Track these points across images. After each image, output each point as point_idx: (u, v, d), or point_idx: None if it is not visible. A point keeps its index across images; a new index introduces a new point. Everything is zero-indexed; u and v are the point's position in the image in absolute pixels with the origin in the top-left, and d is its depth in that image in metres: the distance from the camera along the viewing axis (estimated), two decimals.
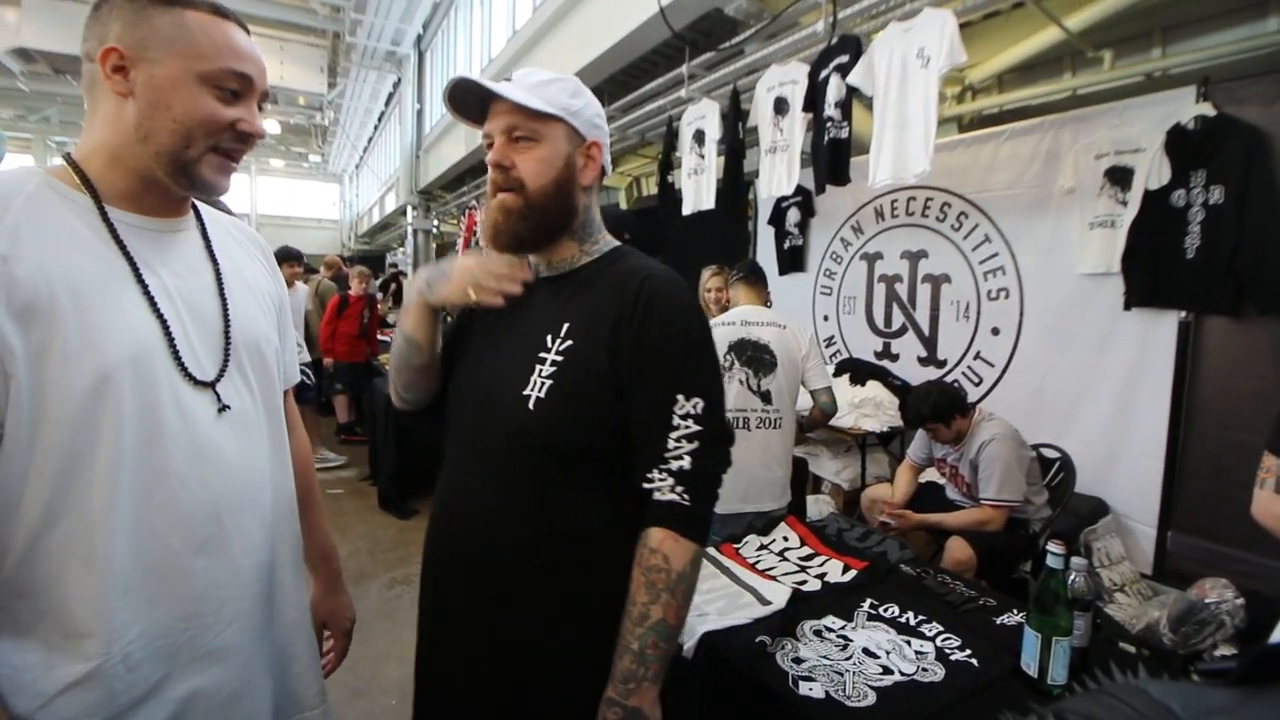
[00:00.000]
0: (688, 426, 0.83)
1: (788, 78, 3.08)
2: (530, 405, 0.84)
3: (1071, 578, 1.12)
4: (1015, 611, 1.33)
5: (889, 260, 3.56)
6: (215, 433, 0.77)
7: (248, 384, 0.82)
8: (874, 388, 3.21)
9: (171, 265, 0.78)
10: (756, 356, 2.25)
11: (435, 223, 10.15)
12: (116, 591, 0.68)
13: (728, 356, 2.24)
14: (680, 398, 0.83)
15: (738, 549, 1.60)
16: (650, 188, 7.04)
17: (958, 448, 2.39)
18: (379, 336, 5.60)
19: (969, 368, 3.17)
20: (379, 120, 12.09)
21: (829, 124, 2.81)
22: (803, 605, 1.32)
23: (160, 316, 0.74)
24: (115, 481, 0.68)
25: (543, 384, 0.85)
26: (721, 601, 1.33)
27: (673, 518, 0.82)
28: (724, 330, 2.28)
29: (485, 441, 0.89)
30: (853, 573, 1.46)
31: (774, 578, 1.44)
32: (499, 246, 0.91)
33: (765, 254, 4.31)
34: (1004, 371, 3.03)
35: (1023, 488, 2.27)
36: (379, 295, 7.19)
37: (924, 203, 3.35)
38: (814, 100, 2.92)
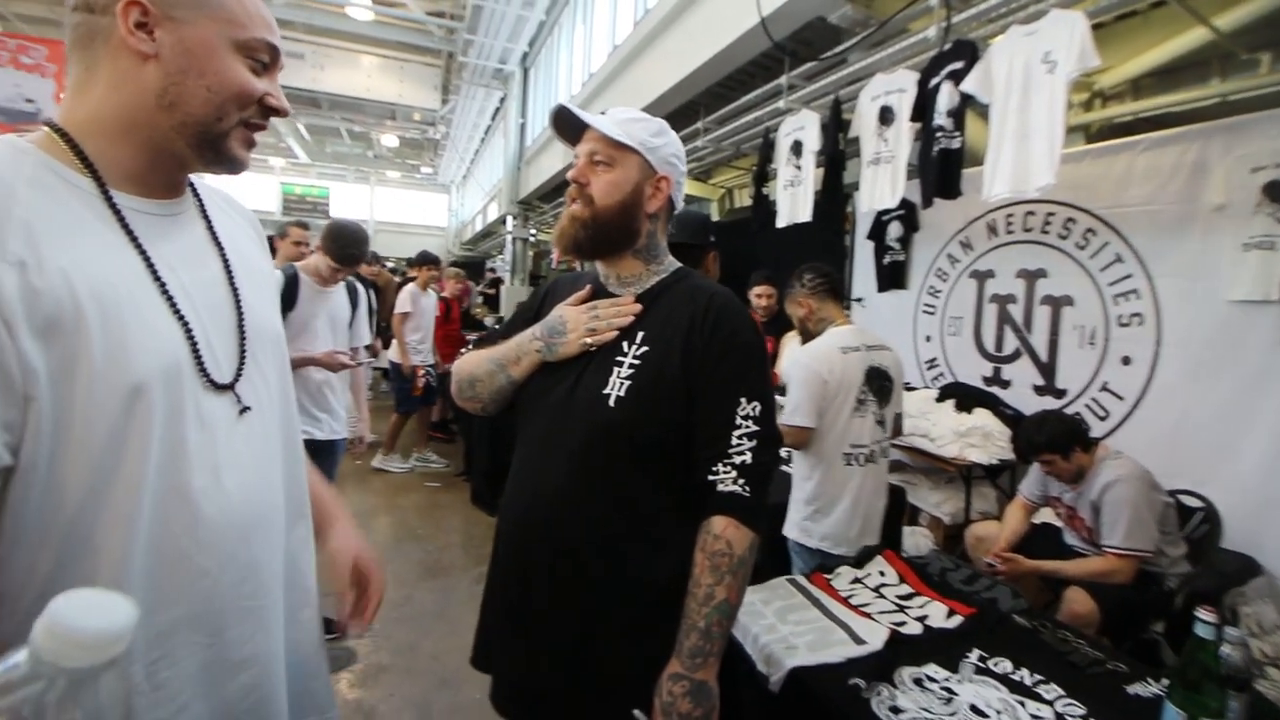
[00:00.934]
0: (748, 426, 0.94)
1: (894, 86, 2.95)
2: (611, 403, 0.94)
3: (1225, 651, 0.98)
4: (1150, 681, 1.18)
5: (1002, 279, 3.32)
6: (235, 439, 0.72)
7: (264, 380, 0.78)
8: (982, 416, 2.99)
9: (181, 256, 0.71)
10: (881, 385, 2.10)
11: (533, 231, 10.52)
12: (140, 619, 0.66)
13: (863, 389, 2.04)
14: (743, 400, 0.94)
15: (829, 580, 1.52)
16: (744, 199, 6.97)
17: (1077, 487, 2.18)
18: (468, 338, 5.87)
19: (1093, 400, 2.88)
20: (485, 134, 12.71)
21: (939, 134, 2.67)
22: (901, 649, 1.24)
23: (182, 319, 0.68)
24: (138, 508, 0.63)
25: (622, 384, 0.95)
26: (811, 636, 1.27)
27: (735, 507, 0.91)
28: (855, 357, 2.05)
29: (565, 434, 0.97)
30: (958, 618, 1.35)
31: (869, 615, 1.35)
32: (561, 248, 1.04)
33: (863, 269, 4.14)
34: (1135, 406, 2.73)
35: (1154, 536, 2.03)
36: (479, 300, 7.54)
37: (1044, 218, 3.10)
38: (923, 109, 2.78)
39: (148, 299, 0.66)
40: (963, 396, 3.18)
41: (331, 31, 8.70)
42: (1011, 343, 3.26)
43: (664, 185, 1.02)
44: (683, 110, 5.13)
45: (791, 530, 2.08)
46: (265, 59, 0.72)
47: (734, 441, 0.93)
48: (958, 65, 2.57)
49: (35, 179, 0.61)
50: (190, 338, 0.68)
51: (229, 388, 0.72)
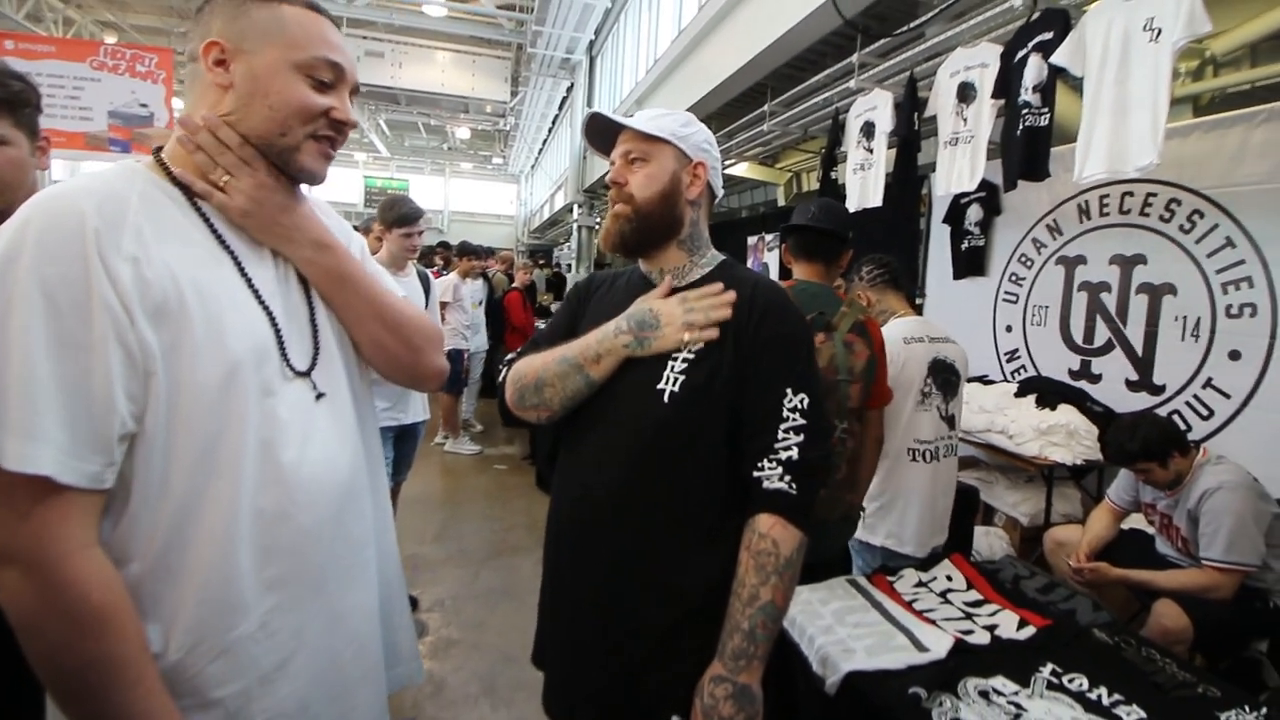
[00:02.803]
0: (794, 419, 0.91)
1: (975, 61, 2.78)
2: (666, 399, 0.93)
3: None
4: (1248, 710, 1.09)
5: (1094, 265, 3.08)
6: (317, 419, 0.79)
7: (335, 371, 0.84)
8: (1067, 413, 2.80)
9: (262, 254, 0.80)
10: (947, 379, 2.03)
11: (598, 219, 10.62)
12: (249, 571, 0.72)
13: (927, 382, 1.99)
14: (788, 391, 0.92)
15: (892, 582, 1.47)
16: (811, 183, 6.77)
17: (1173, 493, 2.01)
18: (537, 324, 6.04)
19: (1195, 397, 2.65)
20: (552, 124, 12.88)
21: (1025, 111, 2.50)
22: (967, 659, 1.19)
23: (267, 309, 0.76)
24: (240, 471, 0.71)
25: (677, 379, 0.93)
26: (870, 640, 1.24)
27: (781, 505, 0.89)
28: (919, 349, 2.01)
29: (616, 431, 0.96)
30: (1030, 629, 1.28)
31: (933, 621, 1.31)
32: (609, 248, 1.04)
33: (938, 255, 3.95)
34: (1243, 406, 2.49)
35: (1260, 550, 1.85)
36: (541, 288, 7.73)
37: (1143, 199, 2.85)
38: (1007, 85, 2.61)
39: (238, 290, 0.75)
40: (1046, 391, 2.99)
41: (408, 29, 9.01)
42: (1103, 334, 3.03)
43: (701, 171, 1.02)
44: (749, 94, 5.02)
45: (890, 541, 1.98)
46: (327, 77, 0.78)
47: (780, 435, 0.91)
48: (1047, 36, 2.40)
49: (144, 193, 0.72)
50: (274, 325, 0.76)
51: (306, 374, 0.79)
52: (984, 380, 3.45)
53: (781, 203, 7.10)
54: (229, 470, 0.71)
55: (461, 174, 20.73)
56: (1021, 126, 2.51)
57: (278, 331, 0.77)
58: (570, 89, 10.40)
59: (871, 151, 3.47)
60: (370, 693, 0.85)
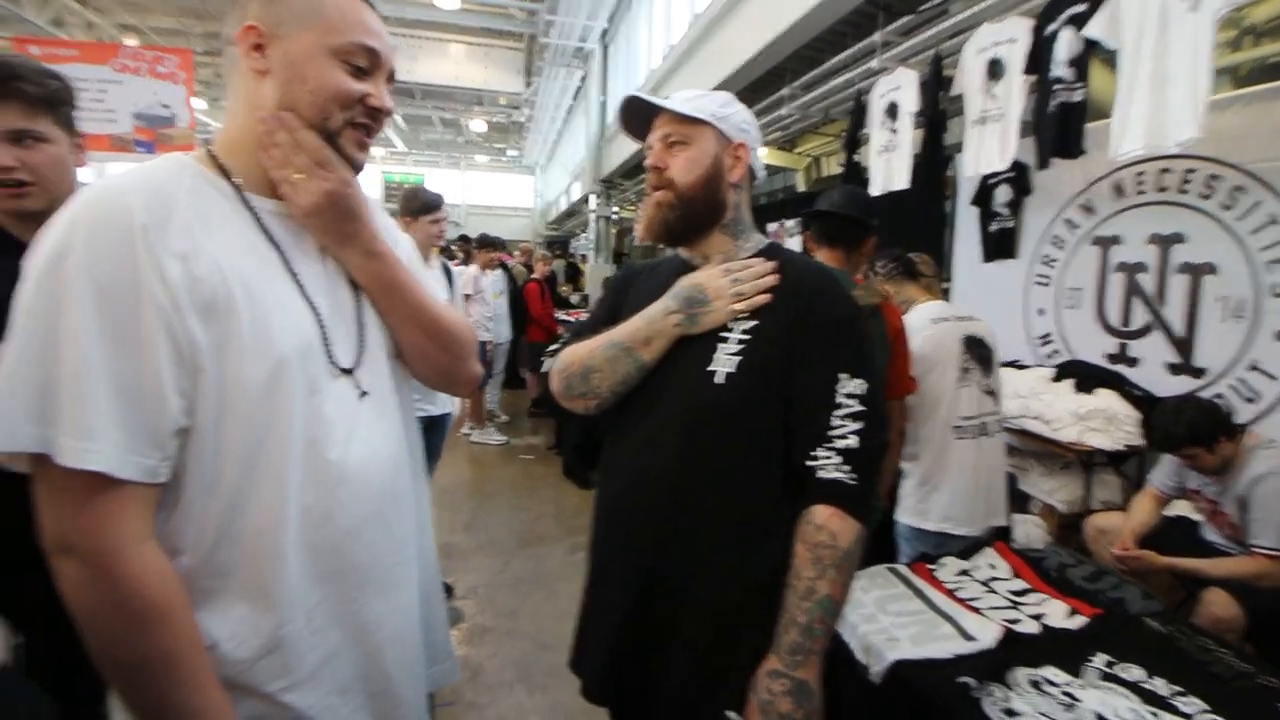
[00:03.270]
0: (851, 406, 0.88)
1: (1004, 36, 2.70)
2: (719, 380, 0.90)
3: None
4: None
5: (1130, 245, 3.00)
6: (361, 417, 0.79)
7: (379, 369, 0.83)
8: (1106, 397, 2.73)
9: (309, 251, 0.79)
10: (981, 354, 2.03)
11: (615, 209, 10.58)
12: (296, 568, 0.73)
13: (965, 358, 1.99)
14: (843, 376, 0.88)
15: (933, 571, 1.45)
16: (831, 168, 6.67)
17: (1220, 479, 1.95)
18: (557, 316, 6.05)
19: (1239, 380, 2.57)
20: (567, 114, 12.84)
21: (1058, 86, 2.43)
22: (1016, 648, 1.16)
23: (313, 306, 0.76)
24: (288, 468, 0.71)
25: (731, 360, 0.90)
26: (915, 628, 1.22)
27: (839, 495, 0.85)
28: (948, 327, 2.03)
29: (667, 415, 0.93)
30: (1081, 619, 1.25)
31: (978, 610, 1.28)
32: (650, 237, 1.00)
33: (966, 238, 3.86)
34: None
35: None
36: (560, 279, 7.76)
37: (1182, 176, 2.76)
38: (1038, 60, 2.53)
39: (284, 286, 0.74)
40: (1083, 376, 2.92)
41: (421, 23, 9.01)
42: (1141, 316, 2.95)
43: (743, 152, 0.99)
44: (767, 77, 4.94)
45: (904, 514, 1.99)
46: (363, 62, 0.76)
47: (834, 423, 0.87)
48: (1080, 8, 2.33)
49: (193, 188, 0.71)
50: (319, 323, 0.76)
51: (350, 372, 0.78)
52: (1016, 365, 3.38)
53: (801, 188, 7.01)
54: (276, 467, 0.71)
55: (477, 167, 20.76)
56: (1054, 102, 2.44)
57: (323, 329, 0.76)
58: (584, 78, 10.34)
59: (896, 133, 3.40)
60: (412, 693, 0.85)
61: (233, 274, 0.69)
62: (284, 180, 0.74)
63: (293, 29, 0.73)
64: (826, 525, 0.85)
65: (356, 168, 0.79)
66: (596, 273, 10.33)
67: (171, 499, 0.68)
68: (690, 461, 0.91)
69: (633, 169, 9.07)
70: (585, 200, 10.99)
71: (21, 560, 0.93)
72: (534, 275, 5.70)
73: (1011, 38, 2.64)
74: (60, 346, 0.61)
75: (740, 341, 0.91)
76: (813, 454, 0.88)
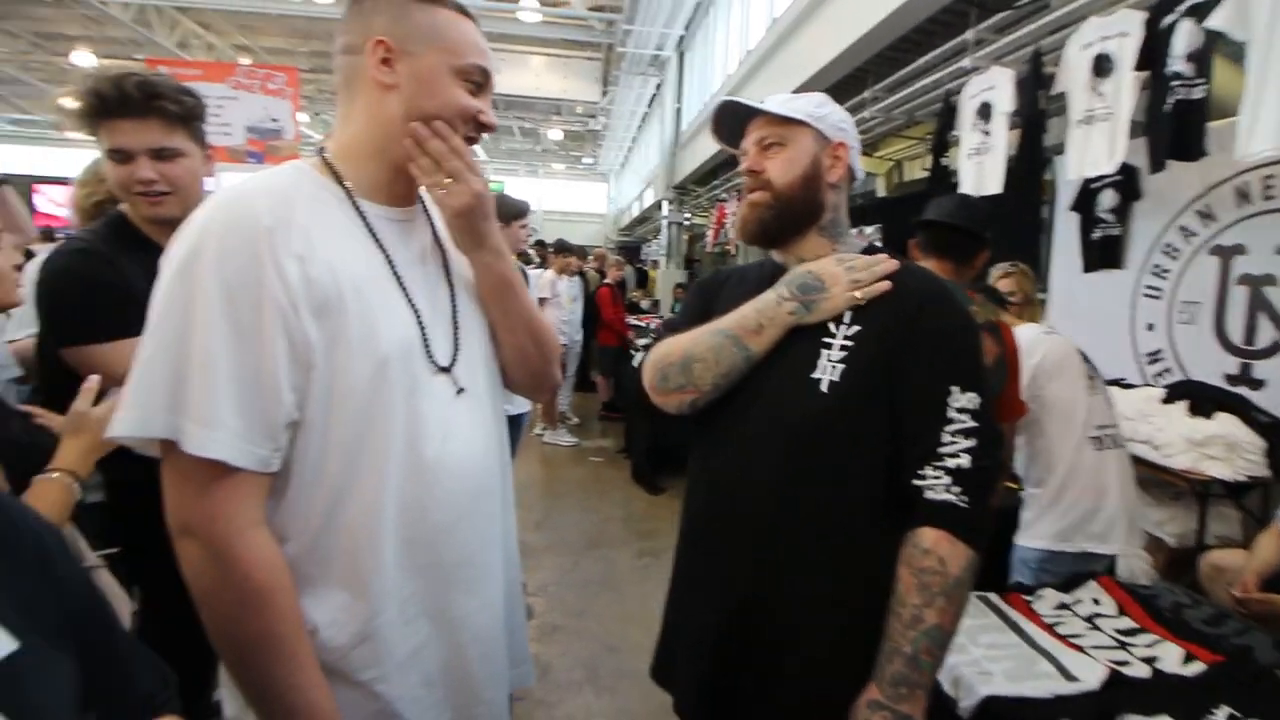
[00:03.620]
0: (963, 421, 0.83)
1: (1113, 30, 2.52)
2: (824, 388, 0.86)
3: None
4: None
5: (1256, 256, 2.72)
6: (456, 414, 0.81)
7: (474, 367, 0.85)
8: (1226, 422, 2.48)
9: (412, 253, 0.82)
10: (1090, 366, 1.92)
11: (687, 216, 10.58)
12: (392, 560, 0.75)
13: (1086, 365, 1.89)
14: (955, 389, 0.83)
15: (1029, 602, 1.36)
16: (914, 172, 6.41)
17: None
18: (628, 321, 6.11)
19: None
20: (641, 121, 12.97)
21: (1175, 82, 2.24)
22: (1125, 693, 1.07)
23: (414, 307, 0.79)
24: (387, 462, 0.74)
25: (835, 367, 0.86)
26: (1008, 663, 1.15)
27: (949, 519, 0.81)
28: (1060, 338, 1.94)
29: (766, 423, 0.89)
30: (1198, 665, 1.14)
31: (1081, 648, 1.19)
32: (746, 238, 0.98)
33: (1064, 246, 3.62)
34: None
35: None
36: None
37: None
38: (1152, 55, 2.35)
39: (389, 288, 0.77)
40: (1199, 398, 2.67)
41: (505, 36, 9.32)
42: (1268, 333, 2.67)
43: (842, 152, 0.96)
44: (847, 80, 4.82)
45: (1038, 539, 1.80)
46: (478, 80, 0.80)
47: (945, 439, 0.82)
48: None
49: (311, 193, 0.76)
50: (420, 323, 0.79)
51: (447, 370, 0.81)
52: (1121, 384, 3.13)
53: (881, 193, 6.77)
54: (377, 461, 0.74)
55: (554, 174, 21.31)
56: (1171, 100, 2.25)
57: (423, 328, 0.79)
58: (659, 86, 10.41)
59: (989, 135, 3.23)
60: (494, 693, 0.86)
61: (343, 276, 0.72)
62: (435, 185, 0.79)
63: (420, 47, 0.77)
64: (935, 550, 0.80)
65: None
66: (667, 278, 10.35)
67: (280, 488, 0.72)
68: (790, 475, 0.87)
69: (705, 175, 9.04)
70: (658, 206, 11.05)
71: (146, 544, 1.02)
72: (606, 280, 5.78)
73: (1122, 31, 2.46)
74: (191, 340, 0.66)
75: (844, 348, 0.87)
76: (921, 473, 0.83)
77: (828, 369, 0.86)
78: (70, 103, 1.13)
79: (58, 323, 1.14)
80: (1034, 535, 1.83)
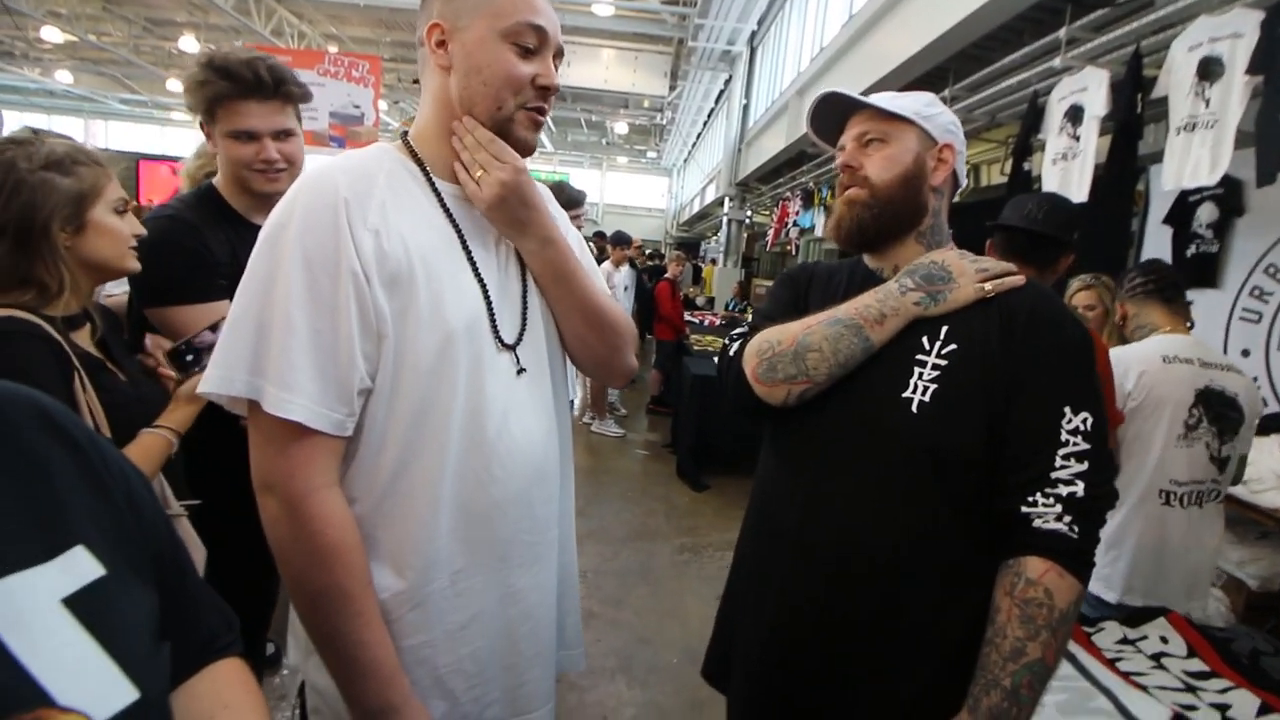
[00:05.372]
0: (1076, 444, 0.78)
1: (1224, 30, 2.34)
2: (914, 409, 0.82)
3: None
4: None
5: None
6: (518, 392, 0.82)
7: (538, 347, 0.86)
8: None
9: (484, 232, 0.83)
10: (1224, 414, 1.70)
11: (749, 213, 10.45)
12: (448, 530, 0.77)
13: (1194, 411, 1.68)
14: (1068, 410, 0.79)
15: (1090, 635, 1.28)
16: (992, 176, 6.12)
17: None
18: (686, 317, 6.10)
19: None
20: (708, 117, 12.88)
21: None
22: None
23: (482, 284, 0.79)
24: (448, 434, 0.75)
25: (927, 388, 0.82)
26: (1063, 696, 1.08)
27: (1058, 550, 0.76)
28: (1182, 370, 1.69)
29: (850, 442, 0.86)
30: (1276, 718, 1.06)
31: (1143, 687, 1.12)
32: (841, 240, 0.93)
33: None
34: None
35: None
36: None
37: None
38: (1268, 59, 2.16)
39: (459, 264, 0.79)
40: None
41: (578, 29, 9.42)
42: None
43: (948, 155, 0.91)
44: (924, 78, 4.64)
45: (1114, 591, 1.66)
46: (531, 42, 0.77)
47: (1058, 464, 0.77)
48: None
49: (391, 171, 0.78)
50: (487, 299, 0.80)
51: (512, 348, 0.82)
52: None
53: (955, 198, 6.51)
54: (439, 433, 0.75)
55: (617, 168, 21.45)
56: None
57: (489, 305, 0.80)
58: (728, 81, 10.30)
59: (1078, 139, 3.06)
60: (540, 672, 0.87)
61: (415, 250, 0.74)
62: (471, 180, 0.79)
63: (468, 20, 0.76)
64: (1041, 581, 0.76)
65: (529, 149, 0.82)
66: (726, 276, 10.26)
67: (351, 451, 0.76)
68: (875, 499, 0.84)
69: (769, 174, 8.90)
70: (720, 203, 10.96)
71: (214, 500, 1.09)
72: (666, 275, 5.78)
73: (1235, 32, 2.28)
74: (273, 306, 0.70)
75: (936, 367, 0.83)
76: (1030, 499, 0.78)
77: (919, 389, 0.82)
78: (192, 80, 1.19)
79: (142, 284, 1.21)
80: (1104, 587, 1.68)
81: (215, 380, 0.71)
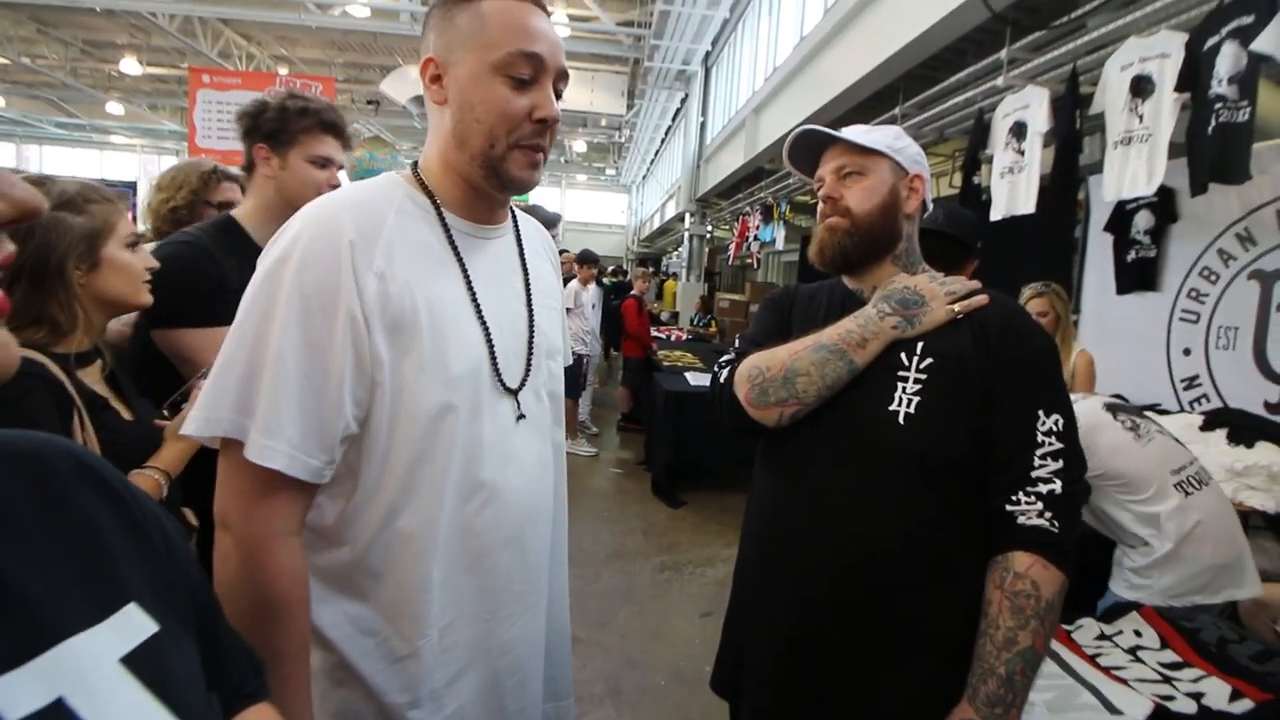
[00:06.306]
0: (1051, 444, 0.85)
1: (1153, 51, 2.50)
2: (900, 421, 0.87)
3: None
4: None
5: None
6: (516, 439, 0.79)
7: (540, 394, 0.84)
8: (1266, 451, 2.42)
9: (491, 273, 0.80)
10: (1129, 408, 1.81)
11: (709, 228, 10.61)
12: (438, 581, 0.74)
13: (1120, 418, 1.72)
14: (1041, 413, 0.86)
15: (1069, 632, 1.33)
16: (943, 189, 6.37)
17: None
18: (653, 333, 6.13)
19: None
20: (665, 135, 13.06)
21: (1219, 105, 2.21)
22: None
23: (486, 329, 0.77)
24: (444, 483, 0.73)
25: (911, 400, 0.87)
26: (1050, 694, 1.12)
27: (1041, 543, 0.82)
28: (1083, 406, 1.67)
29: (847, 458, 0.91)
30: (1246, 703, 1.11)
31: (1124, 681, 1.16)
32: (824, 263, 0.99)
33: (1097, 267, 3.57)
34: None
35: None
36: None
37: None
38: (1193, 77, 2.32)
39: (464, 310, 0.76)
40: (1238, 426, 2.61)
41: None
42: None
43: (918, 184, 0.98)
44: (875, 97, 4.81)
45: (1138, 594, 1.58)
46: (525, 72, 0.72)
47: (1036, 463, 0.84)
48: (1246, 20, 2.12)
49: (401, 207, 0.75)
50: (490, 345, 0.77)
51: (514, 393, 0.80)
52: (1157, 409, 3.07)
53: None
54: (435, 480, 0.73)
55: (576, 185, 21.54)
56: (1215, 123, 2.21)
57: (492, 348, 0.77)
58: (684, 100, 10.49)
59: (1022, 154, 3.21)
60: None
61: (421, 295, 0.71)
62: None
63: (460, 54, 0.72)
64: (1028, 574, 0.82)
65: (525, 188, 0.79)
66: (689, 291, 10.36)
67: (349, 491, 0.73)
68: (869, 507, 0.88)
69: (728, 189, 9.07)
70: (680, 219, 11.10)
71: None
72: (632, 292, 5.81)
73: (1162, 53, 2.45)
74: (267, 343, 0.67)
75: (918, 380, 0.88)
76: (1014, 498, 0.85)
77: (903, 402, 0.88)
78: (288, 109, 1.29)
79: (154, 305, 1.18)
80: (1135, 590, 1.60)
81: (200, 422, 0.68)
